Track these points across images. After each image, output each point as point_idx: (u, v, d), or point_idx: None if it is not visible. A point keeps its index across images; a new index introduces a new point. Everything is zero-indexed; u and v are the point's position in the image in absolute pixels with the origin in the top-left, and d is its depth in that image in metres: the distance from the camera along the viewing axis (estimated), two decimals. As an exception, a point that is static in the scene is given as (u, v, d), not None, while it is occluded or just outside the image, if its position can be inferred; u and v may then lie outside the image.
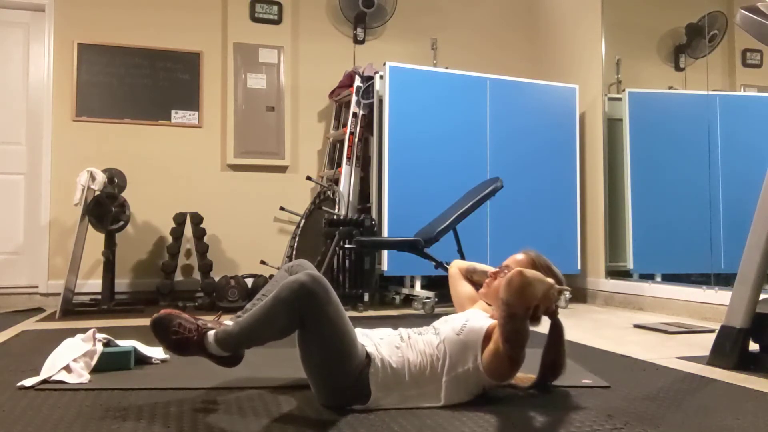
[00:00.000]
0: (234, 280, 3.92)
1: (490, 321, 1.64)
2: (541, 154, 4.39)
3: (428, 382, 1.60)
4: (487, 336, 1.59)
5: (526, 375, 1.74)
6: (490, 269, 1.87)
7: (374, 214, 4.19)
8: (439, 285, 4.23)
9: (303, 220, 4.41)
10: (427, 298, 3.78)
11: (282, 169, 4.70)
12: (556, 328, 1.68)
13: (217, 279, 4.02)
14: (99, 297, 3.86)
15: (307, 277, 1.49)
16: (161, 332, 1.56)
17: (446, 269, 3.53)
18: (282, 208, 4.64)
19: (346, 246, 3.88)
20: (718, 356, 2.20)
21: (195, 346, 1.56)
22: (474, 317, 1.66)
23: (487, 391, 1.65)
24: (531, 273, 1.51)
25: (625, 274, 4.23)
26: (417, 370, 1.60)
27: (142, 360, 2.16)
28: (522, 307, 1.48)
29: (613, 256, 4.36)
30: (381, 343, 1.64)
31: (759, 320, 2.14)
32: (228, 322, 1.64)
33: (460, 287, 1.98)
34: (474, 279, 1.97)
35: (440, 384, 1.59)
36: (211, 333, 1.56)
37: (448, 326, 1.66)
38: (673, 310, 3.72)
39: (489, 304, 1.82)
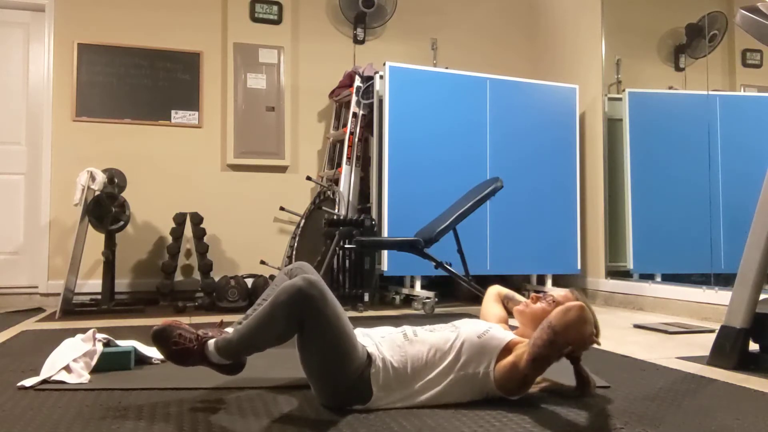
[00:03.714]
0: (234, 280, 3.92)
1: (513, 336, 1.66)
2: (541, 154, 4.39)
3: (432, 378, 1.60)
4: (506, 349, 1.61)
5: (546, 378, 1.74)
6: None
7: (374, 214, 4.19)
8: (439, 285, 4.24)
9: (303, 221, 4.41)
10: (427, 298, 3.78)
11: (282, 169, 4.70)
12: (583, 379, 1.69)
13: (217, 279, 4.02)
14: (99, 297, 3.86)
15: (304, 281, 1.50)
16: (162, 343, 1.58)
17: (446, 269, 3.55)
18: (282, 208, 4.64)
19: (346, 246, 3.88)
20: (718, 356, 2.20)
21: (196, 356, 1.58)
22: (497, 327, 1.69)
23: (487, 398, 1.65)
24: (589, 313, 1.54)
25: (625, 274, 4.23)
26: (421, 365, 1.60)
27: (142, 360, 2.16)
28: (564, 339, 1.50)
29: (613, 256, 4.35)
30: (382, 342, 1.64)
31: (759, 320, 2.14)
32: (229, 329, 1.64)
33: (492, 306, 1.98)
34: (508, 306, 1.97)
35: (445, 379, 1.60)
36: (211, 342, 1.58)
37: (470, 327, 1.67)
38: (673, 310, 3.72)
39: (510, 326, 1.82)
